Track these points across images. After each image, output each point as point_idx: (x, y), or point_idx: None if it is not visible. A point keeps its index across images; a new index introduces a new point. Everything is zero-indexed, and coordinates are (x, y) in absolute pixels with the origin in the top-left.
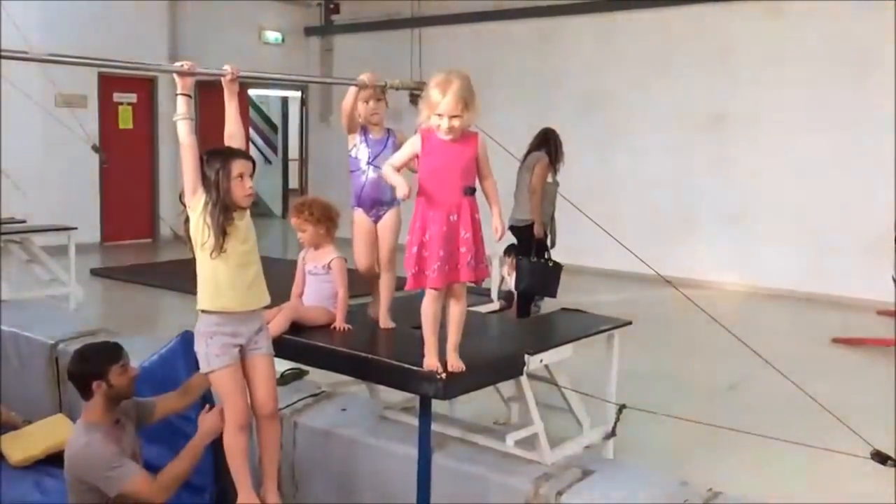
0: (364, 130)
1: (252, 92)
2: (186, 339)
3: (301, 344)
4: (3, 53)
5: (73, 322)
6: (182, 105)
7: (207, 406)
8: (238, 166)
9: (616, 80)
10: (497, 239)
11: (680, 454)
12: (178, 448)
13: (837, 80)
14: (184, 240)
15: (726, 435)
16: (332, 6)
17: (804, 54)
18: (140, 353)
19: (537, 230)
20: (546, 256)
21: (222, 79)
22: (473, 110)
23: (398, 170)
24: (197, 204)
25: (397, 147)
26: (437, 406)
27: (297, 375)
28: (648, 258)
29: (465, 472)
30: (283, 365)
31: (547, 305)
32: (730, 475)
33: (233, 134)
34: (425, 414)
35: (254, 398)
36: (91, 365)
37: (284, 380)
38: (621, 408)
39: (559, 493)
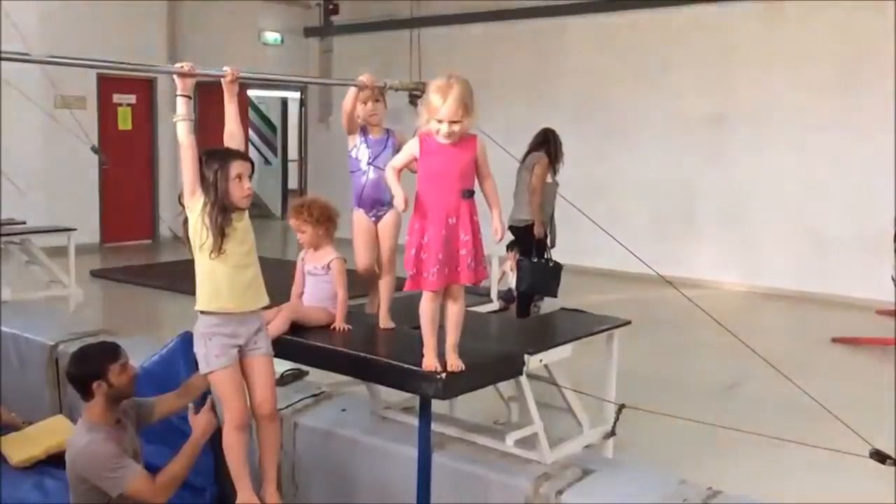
0: (364, 131)
1: (251, 93)
2: (186, 339)
3: (301, 344)
4: (3, 55)
5: (72, 323)
6: (181, 106)
7: (193, 407)
8: (236, 167)
9: (615, 80)
10: (497, 241)
11: (679, 453)
12: (178, 448)
13: (836, 81)
14: (183, 241)
15: (726, 434)
16: (331, 7)
17: (803, 54)
18: (140, 354)
19: (537, 230)
20: (546, 256)
21: (222, 80)
22: (473, 115)
23: (399, 171)
24: (196, 205)
25: (397, 147)
26: (437, 406)
27: (297, 376)
28: (648, 258)
29: (465, 471)
30: (282, 365)
31: (546, 305)
32: (729, 474)
33: (232, 134)
34: (425, 414)
35: (253, 399)
36: (90, 365)
37: (284, 380)
38: (621, 407)
39: (559, 493)
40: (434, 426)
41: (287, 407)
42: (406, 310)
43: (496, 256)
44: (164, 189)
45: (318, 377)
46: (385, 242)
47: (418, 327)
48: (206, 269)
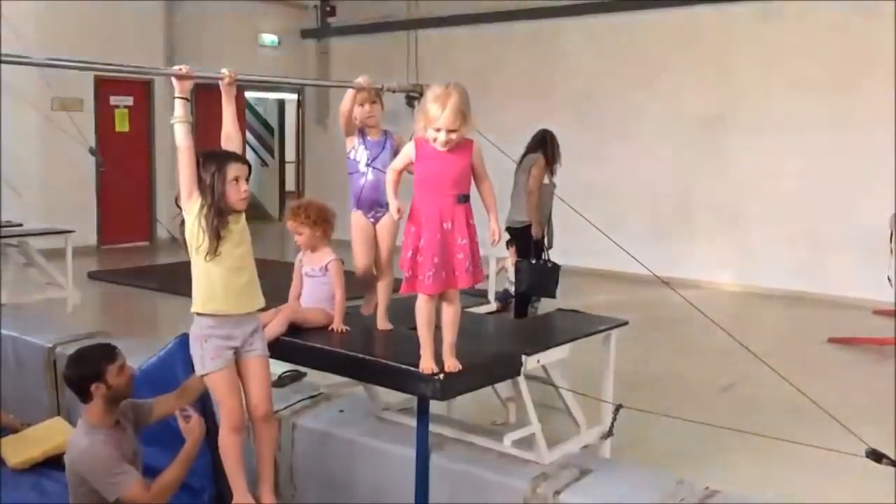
0: (362, 133)
1: (248, 94)
2: (184, 341)
3: (299, 345)
4: (3, 58)
5: (70, 325)
6: (179, 108)
7: (181, 416)
8: (233, 170)
9: (613, 81)
10: (492, 243)
11: (676, 453)
12: (176, 449)
13: (833, 81)
14: (180, 242)
15: (723, 434)
16: (328, 9)
17: (800, 55)
18: (138, 356)
19: (535, 231)
20: (544, 257)
21: (220, 82)
22: (470, 123)
23: (399, 172)
24: (193, 207)
25: (395, 149)
26: (435, 407)
27: (295, 377)
28: (645, 259)
29: (462, 472)
30: (281, 367)
31: (544, 306)
32: (726, 474)
33: (230, 136)
34: (423, 415)
35: (249, 400)
36: (88, 367)
37: (282, 381)
38: (618, 408)
39: (557, 493)
40: (432, 427)
41: (285, 408)
42: (403, 311)
43: (493, 258)
44: (161, 191)
45: (316, 378)
46: (383, 243)
47: (416, 328)
48: (202, 272)
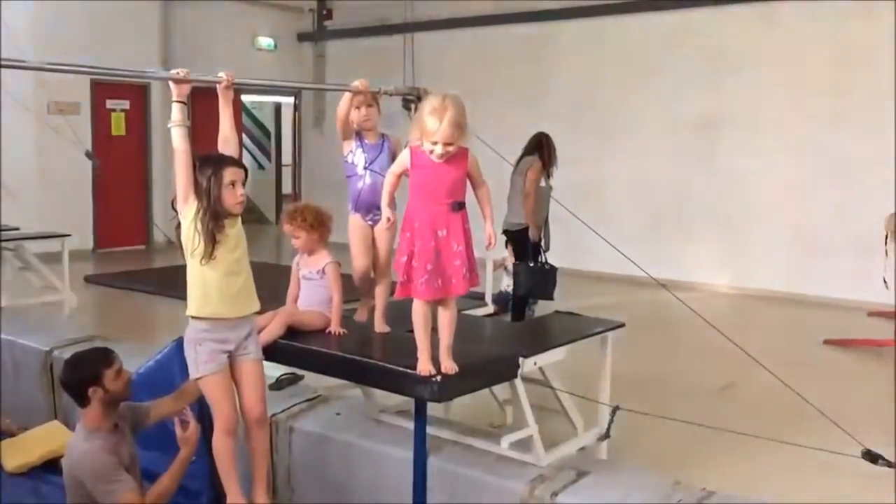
0: (359, 136)
1: (245, 98)
2: (181, 345)
3: (297, 348)
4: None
5: (67, 329)
6: (177, 112)
7: (178, 422)
8: (230, 174)
9: (608, 84)
10: (487, 247)
11: (673, 455)
12: (174, 453)
13: (828, 83)
14: (177, 245)
15: (719, 435)
16: (324, 12)
17: (795, 57)
18: (135, 359)
19: (532, 234)
20: (542, 260)
21: (217, 85)
22: (466, 134)
23: (399, 176)
24: (189, 211)
25: (392, 151)
26: (432, 409)
27: (292, 380)
28: (641, 261)
29: (460, 474)
30: (278, 370)
31: (540, 308)
32: (723, 475)
33: (227, 139)
34: (420, 417)
35: (243, 403)
36: (85, 371)
37: (280, 384)
38: (615, 409)
39: (554, 495)
40: (429, 429)
41: (283, 411)
42: (401, 314)
43: (489, 259)
44: (157, 194)
45: (313, 381)
46: (381, 246)
47: (413, 331)
48: (198, 275)
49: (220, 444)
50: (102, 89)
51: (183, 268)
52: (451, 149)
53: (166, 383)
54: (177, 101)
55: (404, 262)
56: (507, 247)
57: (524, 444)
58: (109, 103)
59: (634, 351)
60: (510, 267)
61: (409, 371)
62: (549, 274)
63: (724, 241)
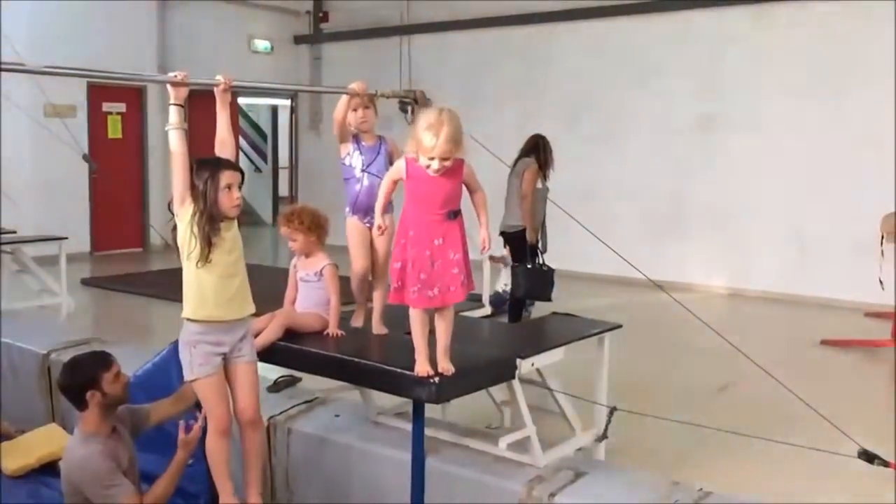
0: (357, 138)
1: (241, 100)
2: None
3: (295, 350)
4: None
5: (64, 332)
6: (174, 115)
7: (183, 425)
8: (226, 177)
9: (605, 85)
10: (482, 251)
11: (670, 455)
12: (171, 454)
13: (823, 84)
14: (173, 247)
15: (716, 436)
16: (320, 14)
17: (790, 58)
18: (132, 362)
19: (530, 236)
20: (539, 261)
21: (215, 88)
22: (462, 148)
23: (395, 182)
24: (185, 213)
25: (390, 154)
26: (430, 411)
27: (291, 382)
28: (637, 262)
29: (458, 475)
30: (276, 372)
31: (537, 310)
32: (720, 475)
33: (224, 142)
34: (418, 418)
35: (236, 405)
36: (83, 375)
37: (278, 387)
38: (612, 410)
39: (552, 495)
40: (427, 431)
41: (281, 413)
42: (398, 316)
43: (486, 261)
44: (154, 197)
45: (311, 383)
46: (380, 248)
47: (410, 333)
48: (193, 278)
49: (214, 446)
50: (99, 92)
51: (180, 270)
52: (447, 164)
53: (164, 385)
54: (174, 105)
55: (398, 269)
56: (504, 247)
57: (522, 445)
58: (106, 106)
59: (631, 352)
60: (508, 259)
61: (407, 372)
62: (546, 275)
63: (721, 242)
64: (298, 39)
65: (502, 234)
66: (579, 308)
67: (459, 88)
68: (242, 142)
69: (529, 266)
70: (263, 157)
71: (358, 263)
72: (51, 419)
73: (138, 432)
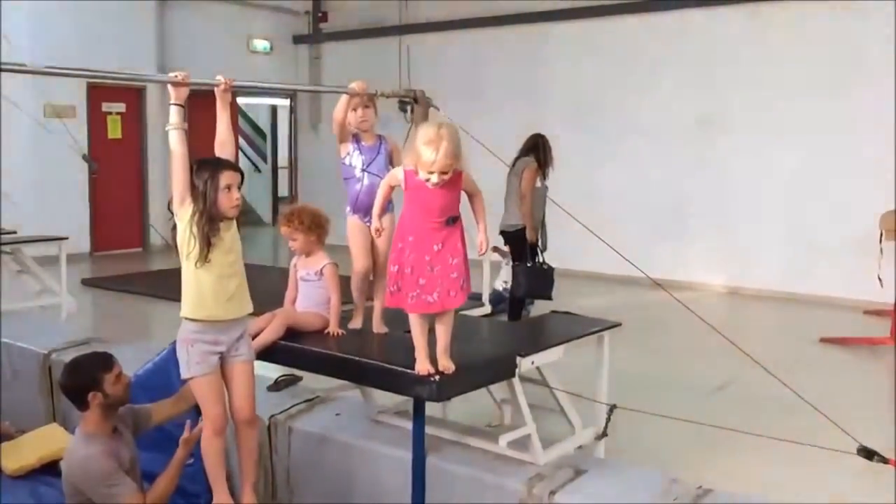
0: (356, 138)
1: (241, 100)
2: None
3: (296, 349)
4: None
5: (65, 332)
6: (175, 115)
7: (189, 423)
8: (226, 178)
9: (604, 85)
10: (479, 253)
11: (670, 453)
12: (171, 453)
13: (821, 83)
14: (172, 246)
15: (716, 433)
16: (319, 14)
17: (788, 58)
18: (132, 362)
19: (530, 235)
20: (539, 260)
21: (215, 89)
22: (461, 161)
23: (391, 189)
24: (185, 213)
25: (389, 153)
26: (431, 410)
27: (291, 381)
28: (637, 260)
29: (458, 473)
30: (277, 371)
31: (536, 308)
32: (719, 473)
33: (224, 142)
34: (419, 417)
35: (232, 403)
36: (85, 376)
37: (278, 386)
38: (612, 408)
39: (552, 493)
40: (428, 429)
41: (282, 412)
42: (398, 315)
43: (487, 260)
44: (153, 197)
45: (311, 382)
46: (381, 247)
47: (410, 331)
48: (192, 278)
49: (209, 445)
50: (98, 93)
51: (180, 270)
52: (446, 177)
53: (164, 385)
54: (175, 104)
55: (394, 272)
56: (504, 246)
57: (522, 443)
58: (105, 106)
59: (631, 350)
60: (506, 250)
61: (407, 371)
62: (547, 274)
63: (720, 240)
64: (297, 39)
65: (502, 233)
66: (579, 307)
67: (458, 87)
68: (242, 141)
69: (530, 265)
70: (263, 156)
71: (359, 262)
72: (51, 419)
73: (140, 432)
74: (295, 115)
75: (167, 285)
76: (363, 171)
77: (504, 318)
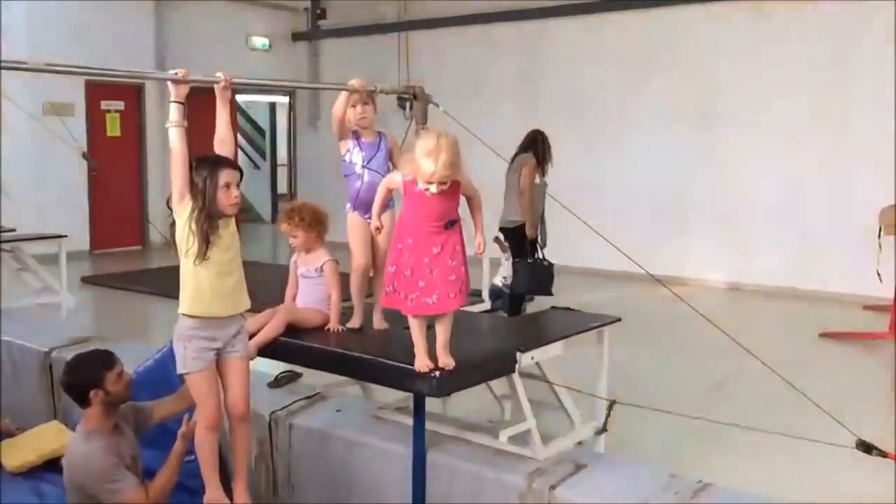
0: (356, 135)
1: (239, 97)
2: None
3: (296, 345)
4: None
5: (65, 330)
6: (175, 112)
7: (186, 418)
8: (225, 175)
9: (603, 81)
10: (477, 253)
11: (670, 448)
12: (171, 449)
13: (822, 80)
14: (171, 243)
15: (715, 429)
16: (318, 11)
17: (789, 54)
18: (133, 359)
19: (529, 231)
20: (539, 256)
21: (215, 86)
22: (460, 170)
23: (390, 191)
24: (184, 210)
25: (389, 150)
26: (431, 405)
27: (292, 378)
28: (637, 256)
29: (459, 468)
30: (277, 367)
31: (535, 304)
32: (719, 468)
33: (223, 140)
34: (419, 412)
35: (227, 399)
36: (86, 374)
37: (279, 382)
38: (612, 403)
39: (552, 488)
40: (428, 425)
41: (282, 408)
42: (398, 311)
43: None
44: (153, 195)
45: (312, 379)
46: (381, 244)
47: (409, 328)
48: (190, 275)
49: (203, 440)
50: (97, 90)
51: (179, 268)
52: (444, 187)
53: (164, 383)
54: (175, 102)
55: (391, 273)
56: (505, 241)
57: (522, 438)
58: (104, 104)
59: (631, 345)
60: (506, 244)
61: (407, 367)
62: (547, 270)
63: (720, 236)
64: (296, 36)
65: (502, 229)
66: (578, 302)
67: (458, 84)
68: (241, 139)
69: (530, 261)
70: (262, 153)
71: (359, 259)
72: (52, 417)
73: (141, 430)
74: (294, 112)
75: (167, 283)
76: (363, 167)
77: (503, 313)
